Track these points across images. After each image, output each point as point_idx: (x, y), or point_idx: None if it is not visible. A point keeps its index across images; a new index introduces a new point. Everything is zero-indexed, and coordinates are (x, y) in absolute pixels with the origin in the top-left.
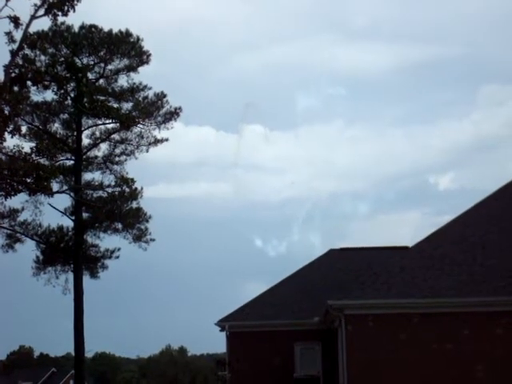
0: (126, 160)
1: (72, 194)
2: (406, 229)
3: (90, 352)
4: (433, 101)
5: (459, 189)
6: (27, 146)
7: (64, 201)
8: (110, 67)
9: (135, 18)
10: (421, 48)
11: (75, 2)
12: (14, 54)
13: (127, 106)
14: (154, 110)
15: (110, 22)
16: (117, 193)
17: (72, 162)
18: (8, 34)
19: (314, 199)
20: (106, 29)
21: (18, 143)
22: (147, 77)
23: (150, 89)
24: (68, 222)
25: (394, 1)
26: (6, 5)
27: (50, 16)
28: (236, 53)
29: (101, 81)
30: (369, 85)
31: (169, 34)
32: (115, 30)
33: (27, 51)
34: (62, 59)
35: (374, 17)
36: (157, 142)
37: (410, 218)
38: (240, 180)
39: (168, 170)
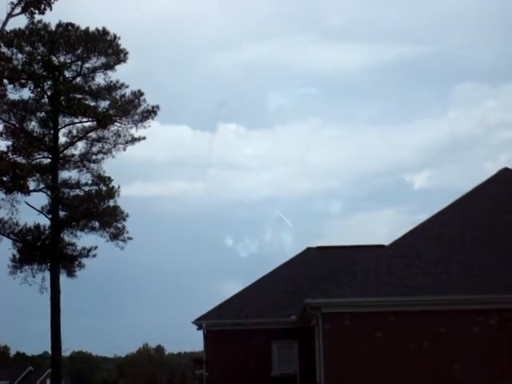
0: (103, 158)
1: (49, 192)
2: (381, 227)
3: (67, 351)
4: (408, 100)
5: (434, 188)
6: (4, 145)
7: (41, 199)
8: (87, 65)
9: (112, 16)
10: (396, 47)
11: (52, 1)
12: None
13: (104, 104)
14: (131, 108)
15: (87, 20)
16: (94, 191)
17: (49, 160)
18: None
19: (290, 198)
20: (83, 27)
21: None
22: (124, 75)
23: (127, 87)
24: (45, 221)
25: (369, 1)
26: None
27: (27, 14)
28: (213, 52)
29: (78, 79)
30: (344, 84)
31: (145, 32)
32: (92, 29)
33: (4, 49)
34: (39, 57)
35: (349, 17)
36: (134, 140)
37: (385, 217)
38: (216, 179)
39: (144, 168)
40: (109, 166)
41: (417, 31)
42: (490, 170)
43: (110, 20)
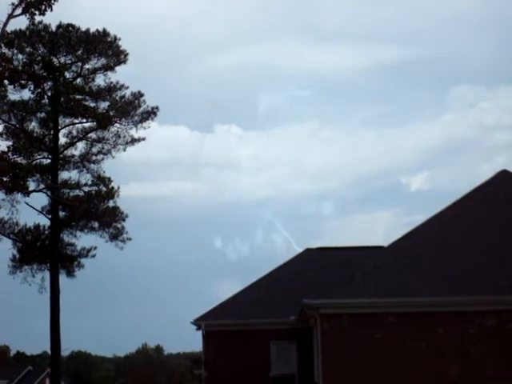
0: (102, 159)
1: (49, 192)
2: (377, 229)
3: (66, 350)
4: (404, 102)
5: (431, 189)
6: (4, 145)
7: (41, 199)
8: (87, 66)
9: (108, 17)
10: (391, 49)
11: (52, 1)
12: None
13: (104, 105)
14: (130, 109)
15: (86, 21)
16: (93, 192)
17: (49, 160)
18: None
19: (287, 199)
20: (83, 28)
21: None
22: (123, 76)
23: (127, 88)
24: (45, 221)
25: (363, 2)
26: None
27: (28, 15)
28: (209, 53)
29: (78, 80)
30: (339, 86)
31: (141, 33)
32: (92, 30)
33: (4, 50)
34: (40, 58)
35: (344, 18)
36: (134, 141)
37: (381, 218)
38: (212, 179)
39: (140, 169)
40: (106, 167)
41: (412, 33)
42: (486, 172)
43: (106, 21)
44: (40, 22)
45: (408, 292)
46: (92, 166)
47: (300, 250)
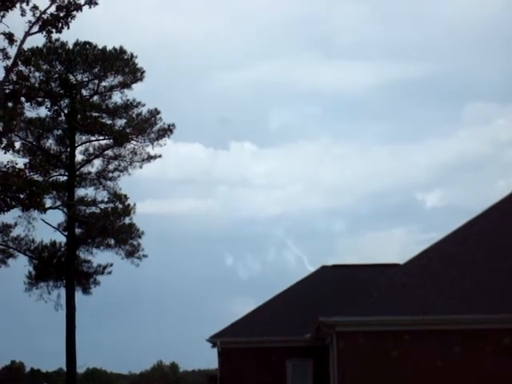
0: (119, 176)
1: (65, 209)
2: (392, 246)
3: (81, 367)
4: (418, 119)
5: (446, 206)
6: (21, 162)
7: (57, 216)
8: (103, 84)
9: (124, 34)
10: (405, 66)
11: (69, 19)
12: (8, 70)
13: (121, 122)
14: (147, 126)
15: (103, 38)
16: (110, 209)
17: (65, 177)
18: (2, 50)
19: (300, 216)
20: (100, 46)
21: (11, 159)
22: (139, 93)
23: (144, 105)
24: (61, 238)
25: (378, 19)
26: (0, 21)
27: (44, 33)
28: (224, 70)
29: (95, 97)
30: (353, 103)
31: (156, 51)
32: (109, 47)
33: (21, 67)
34: (56, 76)
35: (357, 35)
36: (150, 158)
37: (396, 235)
38: (226, 197)
39: (155, 186)
40: (123, 184)
41: (426, 50)
42: (501, 188)
43: (121, 39)
44: (57, 40)
45: (424, 310)
46: (108, 183)
47: (312, 268)
